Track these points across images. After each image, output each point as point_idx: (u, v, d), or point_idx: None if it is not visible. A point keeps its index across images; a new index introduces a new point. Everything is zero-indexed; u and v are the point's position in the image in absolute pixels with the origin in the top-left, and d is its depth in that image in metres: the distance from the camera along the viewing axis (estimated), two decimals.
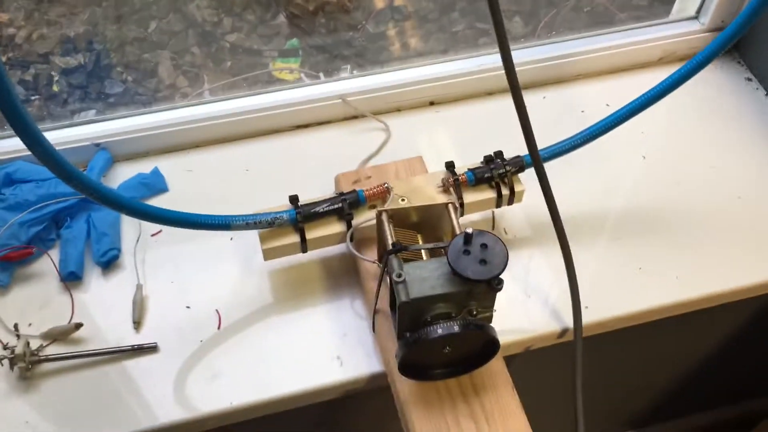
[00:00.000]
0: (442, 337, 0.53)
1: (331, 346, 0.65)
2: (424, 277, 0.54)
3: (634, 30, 0.85)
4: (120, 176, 0.76)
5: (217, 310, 0.67)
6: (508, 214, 0.72)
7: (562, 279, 0.63)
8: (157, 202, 0.75)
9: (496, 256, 0.54)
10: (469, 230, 0.54)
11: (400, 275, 0.54)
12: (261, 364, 0.64)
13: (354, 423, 0.88)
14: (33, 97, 1.00)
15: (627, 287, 0.68)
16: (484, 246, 0.54)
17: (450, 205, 0.62)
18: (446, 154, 0.79)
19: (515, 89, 0.53)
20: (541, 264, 0.70)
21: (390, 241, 0.58)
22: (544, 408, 0.77)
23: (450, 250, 0.54)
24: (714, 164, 0.78)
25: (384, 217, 0.61)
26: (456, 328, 0.53)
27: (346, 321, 0.66)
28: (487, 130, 0.81)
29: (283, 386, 0.62)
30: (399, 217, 0.62)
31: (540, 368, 0.77)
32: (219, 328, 0.66)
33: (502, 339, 0.57)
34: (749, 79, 0.86)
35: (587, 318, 0.65)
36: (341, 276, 0.69)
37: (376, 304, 0.62)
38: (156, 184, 0.75)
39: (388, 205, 0.64)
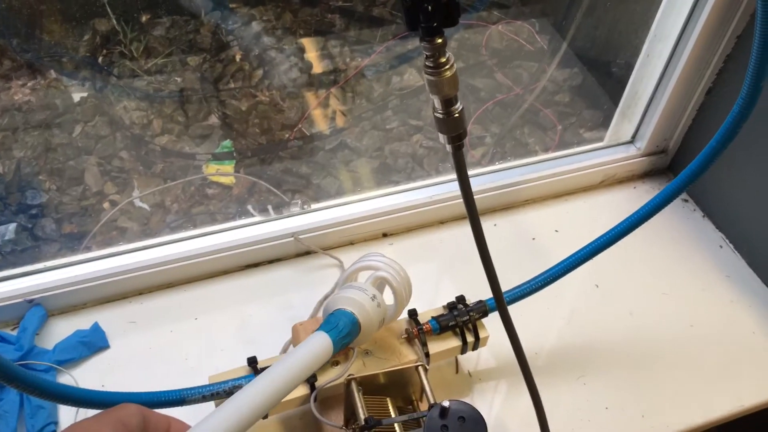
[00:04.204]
0: None
1: None
2: None
3: (577, 156, 0.88)
4: (55, 333, 0.70)
5: None
6: (471, 355, 0.71)
7: (531, 425, 0.61)
8: (98, 361, 0.69)
9: (476, 428, 0.52)
10: (446, 403, 0.52)
11: None
12: None
13: None
14: None
15: (595, 430, 0.68)
16: (461, 419, 0.52)
17: (420, 367, 0.60)
18: None
19: (484, 252, 0.52)
20: (507, 408, 0.68)
21: (361, 414, 0.56)
22: None
23: (427, 427, 0.51)
24: (664, 290, 0.79)
25: (353, 385, 0.58)
26: None
27: None
28: (444, 259, 0.81)
29: None
30: (367, 382, 0.59)
31: None
32: None
33: None
34: (685, 200, 0.89)
35: None
36: None
37: None
38: (96, 341, 0.69)
39: (354, 366, 0.61)
